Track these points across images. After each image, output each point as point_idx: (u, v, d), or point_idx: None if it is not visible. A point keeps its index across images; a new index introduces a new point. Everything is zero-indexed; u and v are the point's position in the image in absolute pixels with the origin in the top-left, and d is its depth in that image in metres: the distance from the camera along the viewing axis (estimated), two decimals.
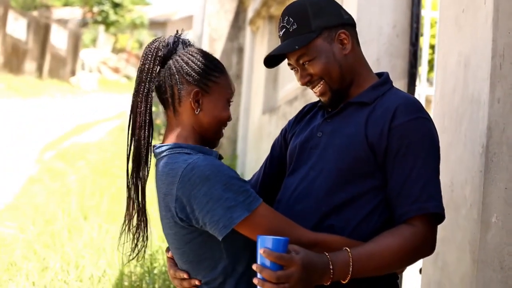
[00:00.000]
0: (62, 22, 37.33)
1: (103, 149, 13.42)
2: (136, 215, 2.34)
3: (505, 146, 2.68)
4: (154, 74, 2.30)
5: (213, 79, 2.33)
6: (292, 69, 2.44)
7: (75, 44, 34.75)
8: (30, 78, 28.50)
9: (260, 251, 2.00)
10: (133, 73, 40.00)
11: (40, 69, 30.23)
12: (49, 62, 31.13)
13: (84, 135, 17.26)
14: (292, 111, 6.93)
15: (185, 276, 2.30)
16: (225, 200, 2.11)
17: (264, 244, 2.01)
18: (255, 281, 2.02)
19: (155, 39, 2.38)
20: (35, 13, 34.75)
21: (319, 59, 2.36)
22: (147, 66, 2.30)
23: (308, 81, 2.40)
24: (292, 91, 8.54)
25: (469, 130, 2.89)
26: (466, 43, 3.01)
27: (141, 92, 2.29)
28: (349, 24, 2.43)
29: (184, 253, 2.28)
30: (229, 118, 2.38)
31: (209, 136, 2.35)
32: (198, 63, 2.32)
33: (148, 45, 2.35)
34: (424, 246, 2.24)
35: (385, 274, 2.29)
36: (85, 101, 26.21)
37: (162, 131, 12.39)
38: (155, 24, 47.61)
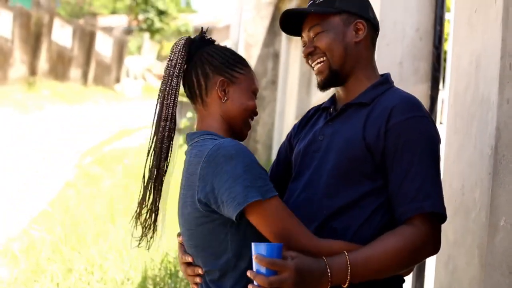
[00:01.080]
0: (108, 30, 37.76)
1: (141, 154, 13.51)
2: (149, 206, 2.39)
3: None
4: (181, 69, 2.39)
5: (237, 70, 2.42)
6: (303, 42, 2.47)
7: (120, 51, 35.10)
8: (75, 85, 28.85)
9: (253, 257, 2.02)
10: None
11: (85, 76, 30.59)
12: (94, 69, 31.49)
13: (124, 140, 17.43)
14: None
15: (189, 259, 2.36)
16: (244, 180, 2.15)
17: (258, 251, 2.02)
18: (250, 287, 2.04)
19: (182, 37, 2.46)
20: (81, 21, 35.22)
21: (329, 34, 2.39)
22: (174, 62, 2.39)
23: (311, 52, 2.42)
24: (324, 96, 8.49)
25: (479, 132, 2.84)
26: (477, 43, 2.96)
27: (168, 85, 2.38)
28: (370, 21, 2.45)
29: (192, 235, 2.32)
30: (255, 108, 2.44)
31: (237, 125, 2.41)
32: (223, 55, 2.43)
33: (175, 42, 2.45)
34: (425, 246, 2.20)
35: (390, 277, 2.25)
36: (129, 108, 26.45)
37: None
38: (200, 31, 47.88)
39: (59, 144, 15.22)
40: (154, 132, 2.39)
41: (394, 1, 4.68)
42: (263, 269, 2.02)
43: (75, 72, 29.80)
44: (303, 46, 2.47)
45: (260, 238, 2.20)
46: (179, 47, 2.41)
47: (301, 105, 10.09)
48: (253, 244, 2.04)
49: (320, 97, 8.96)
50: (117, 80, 34.49)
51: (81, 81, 30.11)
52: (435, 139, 2.29)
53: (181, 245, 2.47)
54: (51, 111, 20.38)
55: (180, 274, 5.53)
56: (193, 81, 2.42)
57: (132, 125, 21.20)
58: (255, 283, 2.03)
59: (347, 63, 2.40)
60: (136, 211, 2.42)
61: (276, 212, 2.17)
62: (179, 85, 2.40)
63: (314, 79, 8.62)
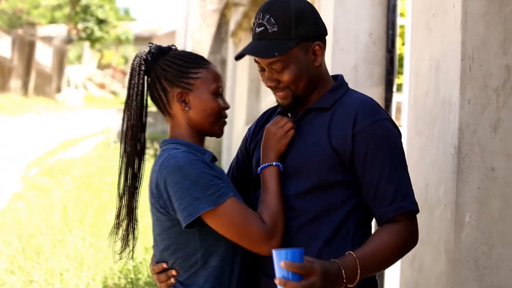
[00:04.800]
0: (47, 39, 37.30)
1: (88, 164, 13.41)
2: (125, 218, 2.45)
3: (477, 146, 2.72)
4: (140, 87, 2.43)
5: (192, 76, 2.41)
6: (259, 67, 2.40)
7: (61, 61, 34.71)
8: (15, 95, 28.43)
9: (280, 264, 2.01)
10: (119, 89, 40.05)
11: (25, 86, 30.18)
12: (35, 79, 31.09)
13: (70, 150, 17.25)
14: None
15: (164, 266, 2.40)
16: (195, 191, 2.22)
17: (282, 257, 2.02)
18: None
19: (137, 54, 2.48)
20: (19, 31, 34.70)
21: (292, 69, 2.32)
22: (133, 81, 2.44)
23: (275, 86, 2.37)
24: (274, 102, 8.57)
25: (441, 133, 2.93)
26: (436, 47, 3.05)
27: (129, 105, 2.43)
28: (324, 35, 2.42)
29: (163, 239, 2.38)
30: (221, 107, 2.44)
31: (205, 129, 2.45)
32: (175, 65, 2.42)
33: (132, 62, 2.48)
34: (412, 239, 2.32)
35: (367, 280, 2.31)
36: (71, 118, 26.18)
37: (146, 145, 12.37)
38: (140, 40, 47.61)
39: (2, 156, 14.98)
40: (124, 150, 2.45)
41: (346, 8, 4.77)
42: (289, 275, 2.01)
43: (15, 82, 29.37)
44: (260, 70, 2.40)
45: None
46: (135, 66, 2.45)
47: (250, 111, 10.14)
48: (274, 252, 2.03)
49: (269, 103, 9.04)
50: (58, 90, 34.10)
51: (22, 91, 29.70)
52: (399, 139, 2.37)
53: (154, 257, 2.51)
54: None
55: (141, 282, 5.54)
56: (155, 96, 2.45)
57: (75, 135, 20.99)
58: None
59: (310, 88, 2.39)
60: (114, 223, 2.47)
61: (232, 214, 2.23)
62: (141, 103, 2.44)
63: (263, 86, 8.62)
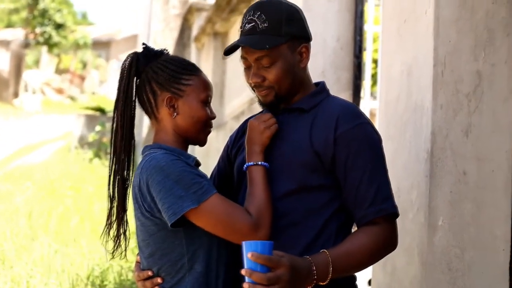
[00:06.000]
0: (4, 44, 36.84)
1: (49, 169, 13.28)
2: (116, 219, 2.45)
3: (449, 150, 2.76)
4: (130, 90, 2.43)
5: (184, 82, 2.42)
6: (245, 64, 2.42)
7: (18, 65, 34.28)
8: None
9: (248, 255, 2.03)
10: (77, 94, 39.63)
11: None
12: None
13: (30, 156, 17.05)
14: None
15: (150, 273, 2.38)
16: (177, 190, 2.22)
17: (251, 248, 2.04)
18: (245, 286, 2.04)
19: (128, 55, 2.47)
20: None
21: (279, 66, 2.36)
22: (123, 83, 2.43)
23: (259, 83, 2.39)
24: (238, 107, 8.59)
25: (413, 137, 2.96)
26: (408, 52, 3.09)
27: (120, 107, 2.42)
28: (310, 39, 2.46)
29: (148, 245, 2.37)
30: (208, 117, 2.46)
31: (191, 137, 2.45)
32: (167, 69, 2.42)
33: (123, 62, 2.47)
34: (391, 242, 2.35)
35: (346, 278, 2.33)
36: (29, 123, 25.84)
37: (109, 150, 12.33)
38: (98, 44, 47.24)
39: None
40: (113, 152, 2.45)
41: (314, 13, 4.81)
42: (257, 267, 2.03)
43: None
44: (246, 67, 2.43)
45: (212, 238, 2.29)
46: (126, 68, 2.44)
47: None
48: (244, 243, 2.05)
49: (234, 108, 9.05)
50: (16, 94, 33.65)
51: None
52: (380, 143, 2.41)
53: (137, 263, 2.50)
54: None
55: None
56: (144, 98, 2.45)
57: (34, 140, 20.74)
58: (247, 279, 2.04)
59: (293, 89, 2.42)
60: (106, 224, 2.47)
61: (217, 210, 2.23)
62: (131, 105, 2.44)
63: (227, 90, 8.60)
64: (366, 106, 5.55)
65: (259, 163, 2.34)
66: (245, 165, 2.38)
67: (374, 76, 9.00)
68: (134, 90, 2.46)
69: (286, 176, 2.35)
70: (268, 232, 2.25)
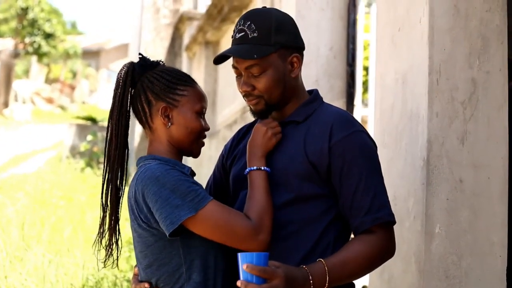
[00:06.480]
0: None
1: (41, 179, 13.24)
2: (108, 228, 2.45)
3: (445, 158, 2.77)
4: (126, 99, 2.44)
5: (179, 92, 2.42)
6: (236, 73, 2.44)
7: (8, 75, 34.20)
8: None
9: (243, 266, 2.04)
10: (67, 103, 39.58)
11: None
12: None
13: (21, 166, 17.00)
14: (232, 135, 6.97)
15: (147, 286, 2.38)
16: (174, 199, 2.22)
17: (246, 260, 2.05)
18: None
19: (124, 65, 2.48)
20: None
21: (269, 74, 2.37)
22: (119, 92, 2.44)
23: (249, 92, 2.40)
24: (231, 115, 8.60)
25: (409, 145, 2.97)
26: (403, 61, 3.10)
27: (115, 116, 2.43)
28: (302, 48, 2.47)
29: (146, 256, 2.37)
30: (203, 128, 2.46)
31: (185, 147, 2.45)
32: (163, 80, 2.43)
33: (119, 72, 2.48)
34: (387, 250, 2.34)
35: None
36: (19, 133, 25.76)
37: (101, 159, 12.30)
38: (88, 54, 47.24)
39: None
40: (107, 161, 2.45)
41: (307, 22, 4.83)
42: (253, 278, 2.04)
43: None
44: (237, 75, 2.44)
45: (209, 248, 2.30)
46: (121, 77, 2.45)
47: None
48: (239, 255, 2.07)
49: (226, 117, 9.05)
50: (6, 104, 33.56)
51: None
52: (375, 150, 2.41)
53: (135, 275, 2.50)
54: None
55: None
56: (138, 108, 2.46)
57: (25, 150, 20.68)
58: None
59: (284, 98, 2.43)
60: (98, 233, 2.47)
61: (215, 217, 2.23)
62: (126, 114, 2.45)
63: (219, 100, 8.61)
64: (357, 113, 5.57)
65: (261, 168, 2.35)
66: (246, 170, 2.38)
67: (365, 84, 9.03)
68: (129, 100, 2.47)
69: (283, 187, 2.35)
70: (269, 236, 2.26)
